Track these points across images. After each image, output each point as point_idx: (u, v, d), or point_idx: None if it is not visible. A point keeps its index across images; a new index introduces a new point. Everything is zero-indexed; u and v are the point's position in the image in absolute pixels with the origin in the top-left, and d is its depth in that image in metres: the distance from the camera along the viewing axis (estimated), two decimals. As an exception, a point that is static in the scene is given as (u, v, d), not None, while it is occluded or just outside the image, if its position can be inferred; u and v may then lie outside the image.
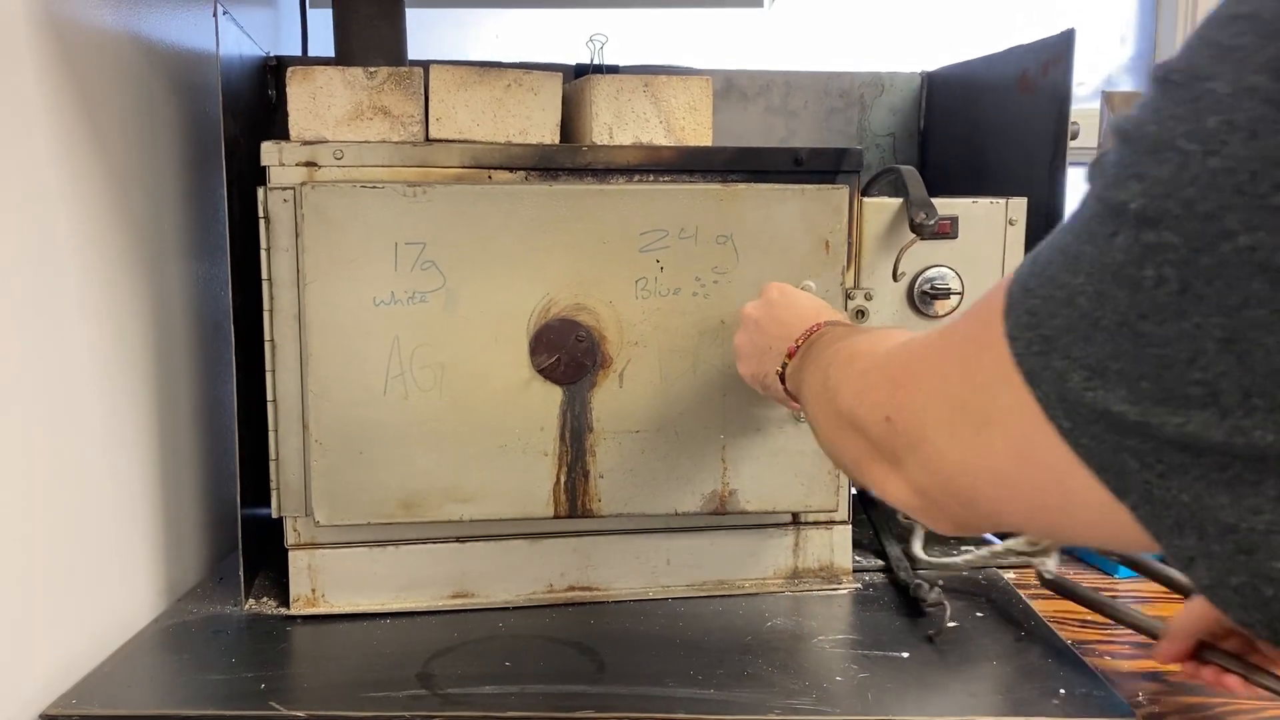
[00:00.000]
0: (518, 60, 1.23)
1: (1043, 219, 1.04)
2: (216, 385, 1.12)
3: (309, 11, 1.35)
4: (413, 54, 1.07)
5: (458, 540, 0.98)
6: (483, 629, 0.94)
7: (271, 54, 1.22)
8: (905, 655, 0.87)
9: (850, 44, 1.72)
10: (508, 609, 0.98)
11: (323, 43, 1.37)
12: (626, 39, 1.39)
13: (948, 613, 0.91)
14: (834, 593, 1.02)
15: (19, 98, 0.77)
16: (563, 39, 1.71)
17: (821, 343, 0.71)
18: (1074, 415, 0.34)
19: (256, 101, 1.17)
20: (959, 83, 1.30)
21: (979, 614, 0.96)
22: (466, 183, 0.93)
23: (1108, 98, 1.27)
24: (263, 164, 0.91)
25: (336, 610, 0.96)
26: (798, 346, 0.74)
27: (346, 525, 0.93)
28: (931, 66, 1.36)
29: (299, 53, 1.35)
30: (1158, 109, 0.32)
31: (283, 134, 0.94)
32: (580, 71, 1.26)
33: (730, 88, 1.34)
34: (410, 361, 0.91)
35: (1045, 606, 0.97)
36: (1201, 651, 0.73)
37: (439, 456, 0.92)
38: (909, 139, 1.38)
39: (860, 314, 1.01)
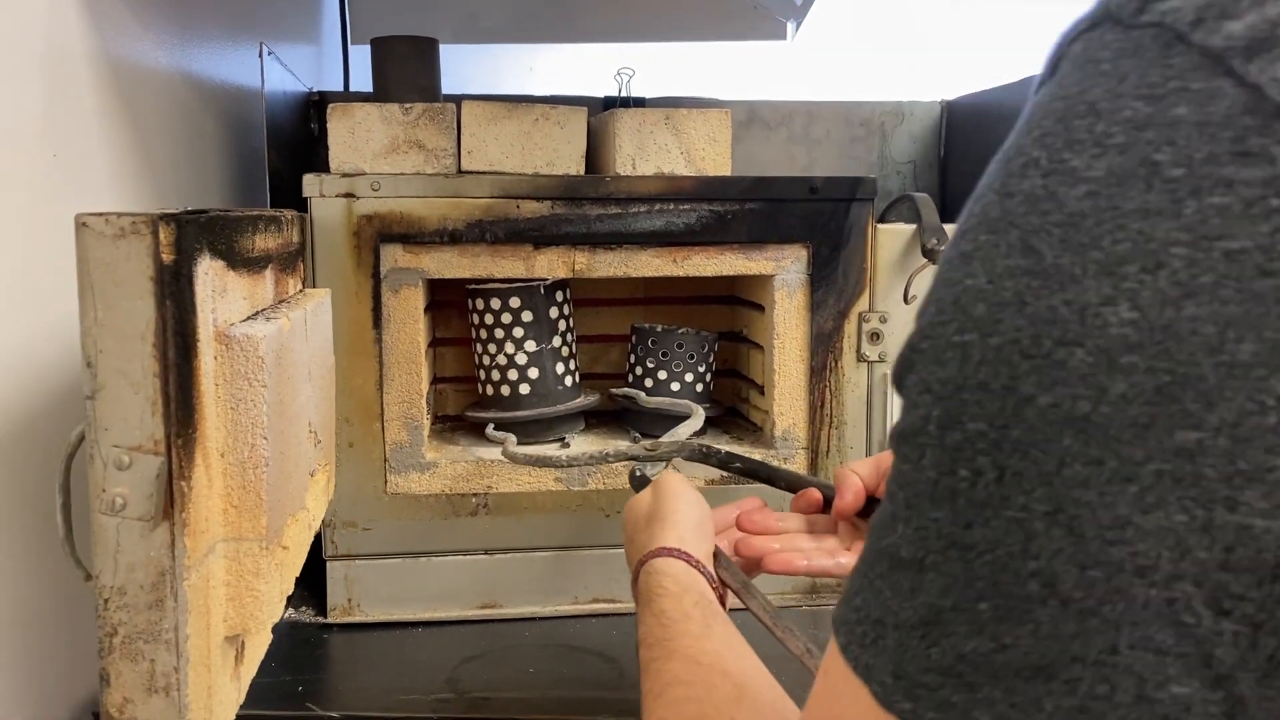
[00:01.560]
0: (549, 93, 1.28)
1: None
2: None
3: (350, 48, 1.42)
4: (449, 86, 1.12)
5: (486, 553, 1.03)
6: (509, 638, 0.98)
7: (314, 89, 1.28)
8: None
9: (871, 74, 1.76)
10: (533, 619, 1.02)
11: (363, 78, 1.44)
12: (654, 71, 1.45)
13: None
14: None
15: (80, 134, 0.83)
16: (595, 70, 1.76)
17: (650, 606, 0.64)
18: (917, 690, 0.31)
19: (299, 135, 1.23)
20: (978, 111, 1.33)
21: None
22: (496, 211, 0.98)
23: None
24: (304, 195, 0.96)
25: (371, 619, 1.01)
26: (636, 572, 0.69)
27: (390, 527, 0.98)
28: (951, 95, 1.39)
29: (341, 87, 1.41)
30: (922, 327, 0.33)
31: (324, 166, 1.00)
32: (608, 103, 1.31)
33: (753, 117, 1.39)
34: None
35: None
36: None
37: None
38: (929, 167, 1.41)
39: (875, 336, 1.04)
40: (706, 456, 0.89)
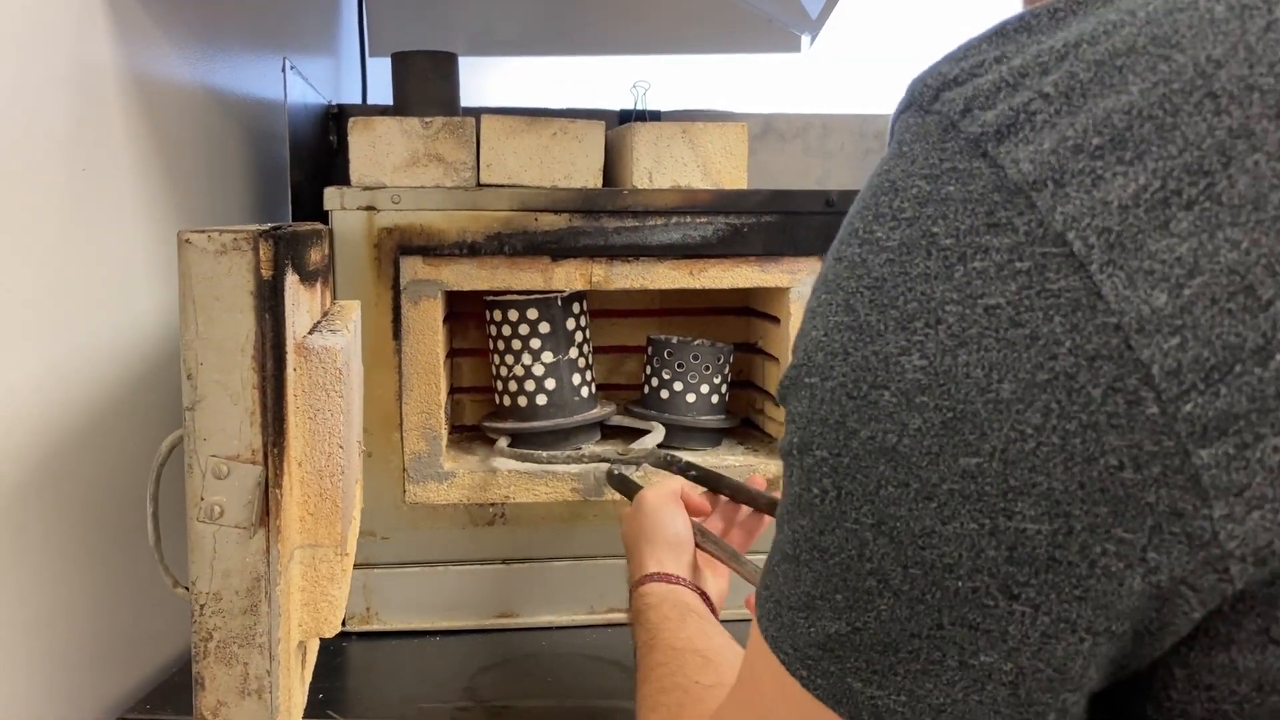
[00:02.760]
0: (565, 105, 1.29)
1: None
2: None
3: (368, 61, 1.43)
4: (466, 97, 1.13)
5: (504, 563, 1.03)
6: (526, 647, 0.98)
7: (334, 102, 1.29)
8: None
9: (885, 86, 1.77)
10: (550, 629, 1.03)
11: (381, 90, 1.45)
12: (670, 83, 1.46)
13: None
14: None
15: (107, 148, 0.84)
16: (613, 82, 1.78)
17: (638, 620, 0.72)
18: (807, 660, 0.37)
19: (320, 147, 1.24)
20: (991, 124, 1.34)
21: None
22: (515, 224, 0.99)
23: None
24: (326, 208, 0.97)
25: (389, 628, 1.02)
26: (629, 598, 0.77)
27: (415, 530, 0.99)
28: (965, 108, 1.40)
29: (359, 99, 1.43)
30: (788, 367, 0.39)
31: (344, 179, 1.01)
32: (625, 117, 1.33)
33: (768, 130, 1.40)
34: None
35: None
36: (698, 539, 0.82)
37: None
38: (943, 178, 1.42)
39: (890, 348, 1.05)
40: (669, 464, 0.97)
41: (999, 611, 0.33)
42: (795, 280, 1.04)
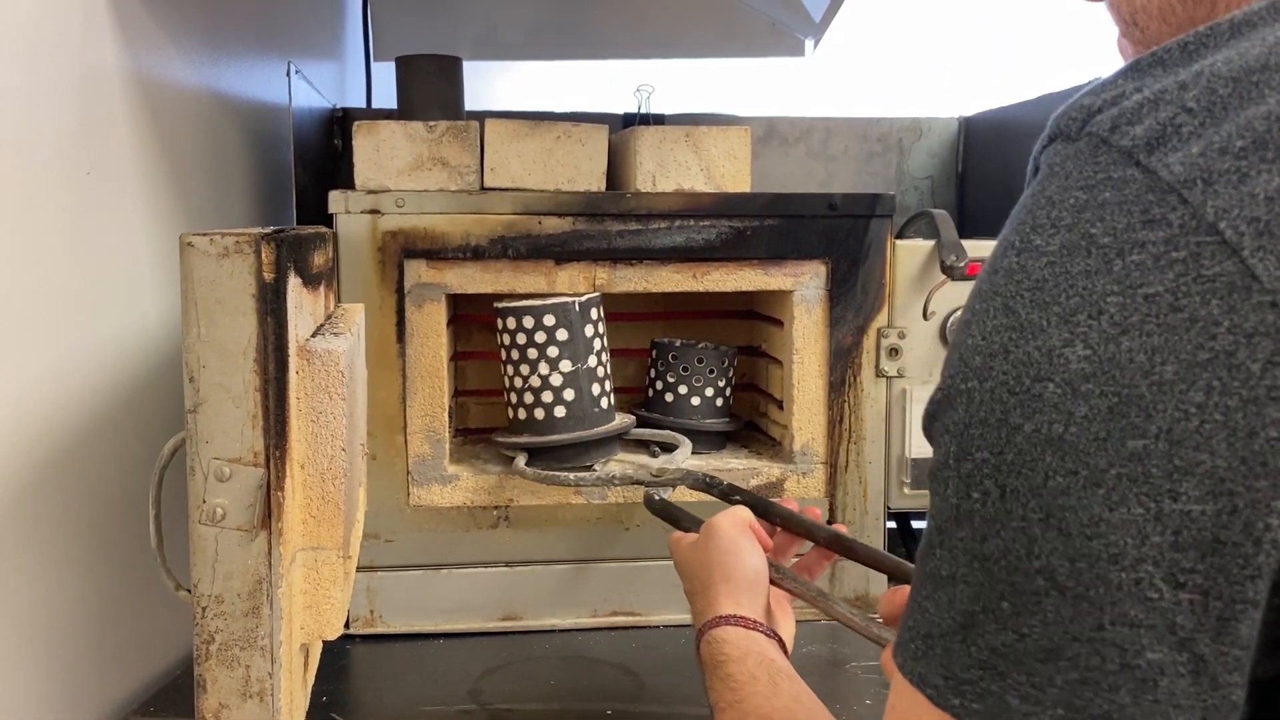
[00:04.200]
0: (569, 109, 1.30)
1: (1074, 260, 1.08)
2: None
3: (373, 65, 1.43)
4: (470, 101, 1.14)
5: (507, 565, 1.03)
6: (530, 650, 0.98)
7: (338, 105, 1.29)
8: (935, 682, 0.90)
9: (888, 90, 1.77)
10: (554, 632, 1.03)
11: (385, 94, 1.45)
12: (674, 87, 1.46)
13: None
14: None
15: (113, 151, 0.84)
16: (617, 86, 1.78)
17: (716, 672, 0.68)
18: (962, 686, 0.38)
19: (323, 150, 1.24)
20: (995, 127, 1.34)
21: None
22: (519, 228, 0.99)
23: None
24: (330, 211, 0.97)
25: (393, 630, 1.02)
26: (698, 638, 0.72)
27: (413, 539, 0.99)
28: (969, 111, 1.40)
29: (364, 103, 1.43)
30: (940, 383, 0.41)
31: (348, 182, 1.01)
32: (628, 120, 1.33)
33: (772, 133, 1.40)
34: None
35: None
36: None
37: (490, 485, 0.97)
38: (947, 182, 1.42)
39: (894, 351, 1.05)
40: (709, 486, 0.92)
41: (1164, 604, 0.34)
42: (799, 283, 1.04)
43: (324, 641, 0.99)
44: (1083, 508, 0.35)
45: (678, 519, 0.86)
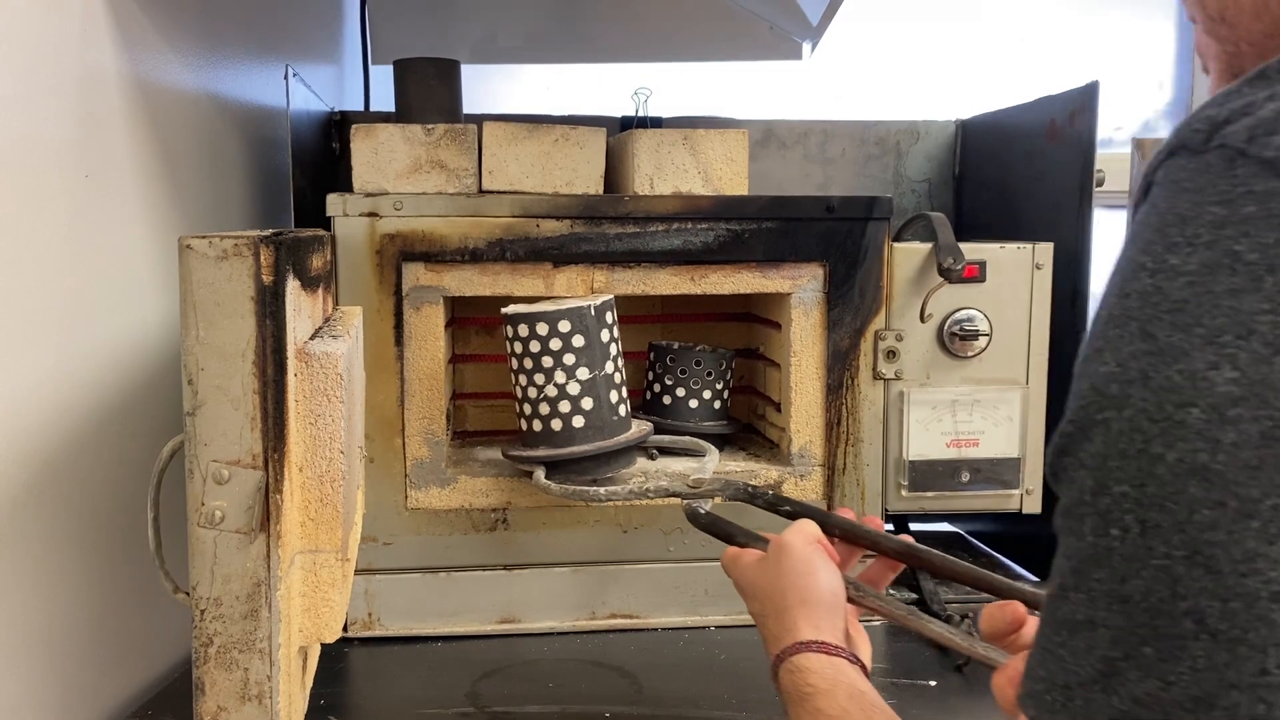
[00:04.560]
0: (567, 112, 1.30)
1: (1070, 262, 1.08)
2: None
3: (371, 69, 1.43)
4: (468, 104, 1.14)
5: (505, 568, 1.03)
6: (528, 652, 0.98)
7: (335, 109, 1.29)
8: (933, 684, 0.90)
9: (886, 93, 1.78)
10: (552, 634, 1.03)
11: (383, 97, 1.46)
12: (671, 90, 1.46)
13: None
14: (867, 624, 1.05)
15: (111, 155, 0.84)
16: (611, 89, 1.78)
17: (803, 705, 0.64)
18: None
19: (321, 153, 1.25)
20: (991, 130, 1.34)
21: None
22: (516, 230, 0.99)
23: (1139, 144, 1.31)
24: (328, 214, 0.97)
25: (391, 633, 1.02)
26: (776, 665, 0.68)
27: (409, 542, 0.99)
28: (966, 114, 1.40)
29: (361, 107, 1.43)
30: (1069, 415, 0.39)
31: (346, 185, 1.01)
32: (626, 123, 1.33)
33: (770, 136, 1.40)
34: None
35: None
36: None
37: (488, 488, 0.97)
38: (944, 185, 1.42)
39: (891, 354, 1.05)
40: (753, 498, 0.88)
41: None
42: (796, 286, 1.04)
43: (322, 644, 0.99)
44: (1234, 542, 0.33)
45: (730, 534, 0.81)
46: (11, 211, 0.71)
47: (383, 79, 1.44)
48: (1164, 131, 1.81)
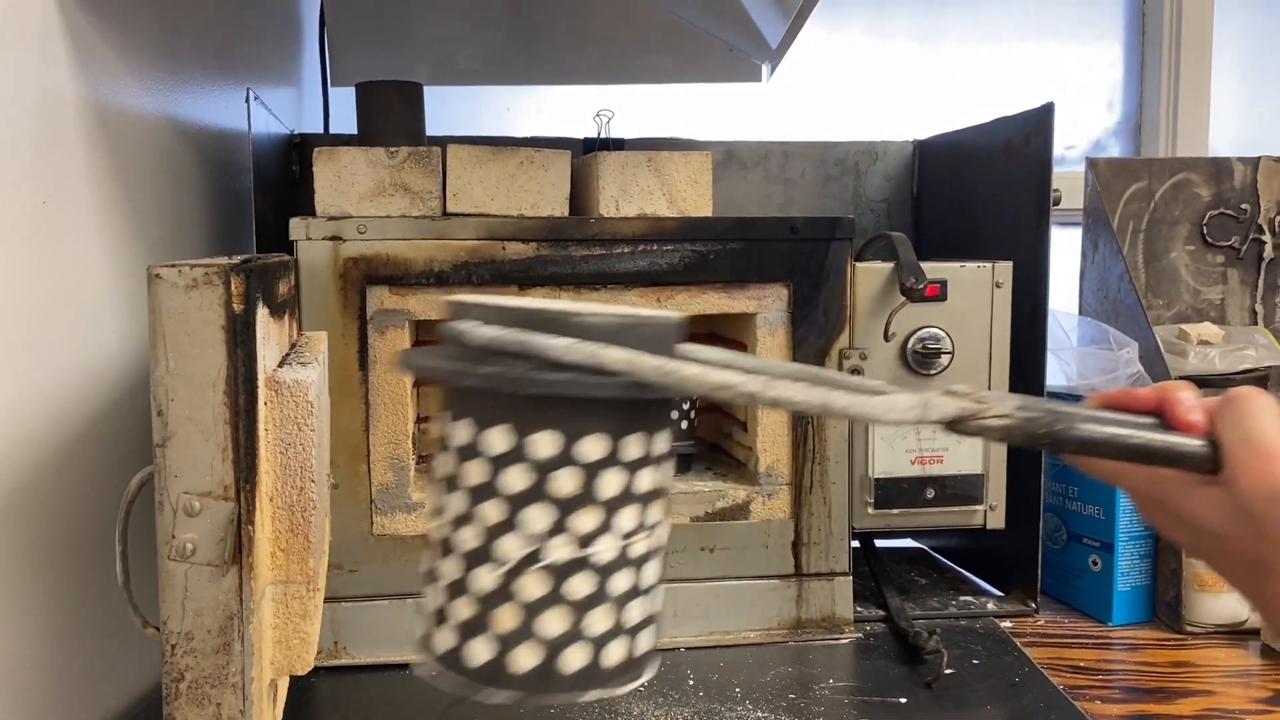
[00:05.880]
0: (528, 134, 1.30)
1: (1029, 279, 1.10)
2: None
3: (330, 90, 1.43)
4: (429, 126, 1.13)
5: (473, 593, 1.02)
6: (497, 679, 0.97)
7: (295, 131, 1.28)
8: (903, 701, 0.91)
9: (844, 114, 1.80)
10: (521, 660, 1.02)
11: (342, 120, 1.45)
12: (632, 111, 1.47)
13: (945, 659, 0.94)
14: (836, 642, 1.05)
15: (69, 180, 0.83)
16: (571, 110, 1.79)
17: None
18: None
19: (281, 176, 1.23)
20: (949, 150, 1.36)
21: (975, 661, 0.99)
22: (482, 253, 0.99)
23: (1092, 163, 1.33)
24: (291, 238, 0.97)
25: (358, 662, 1.00)
26: None
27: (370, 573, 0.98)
28: (923, 135, 1.42)
29: (321, 129, 1.42)
30: None
31: (307, 208, 1.00)
32: (589, 145, 1.33)
33: (730, 158, 1.41)
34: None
35: (1039, 655, 1.01)
36: None
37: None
38: (902, 204, 1.44)
39: (856, 372, 1.05)
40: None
41: None
42: (761, 306, 1.04)
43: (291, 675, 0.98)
44: None
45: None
46: (-32, 239, 0.69)
47: (341, 101, 1.44)
48: (1115, 150, 1.85)
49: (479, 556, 0.47)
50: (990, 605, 1.15)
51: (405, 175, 1.01)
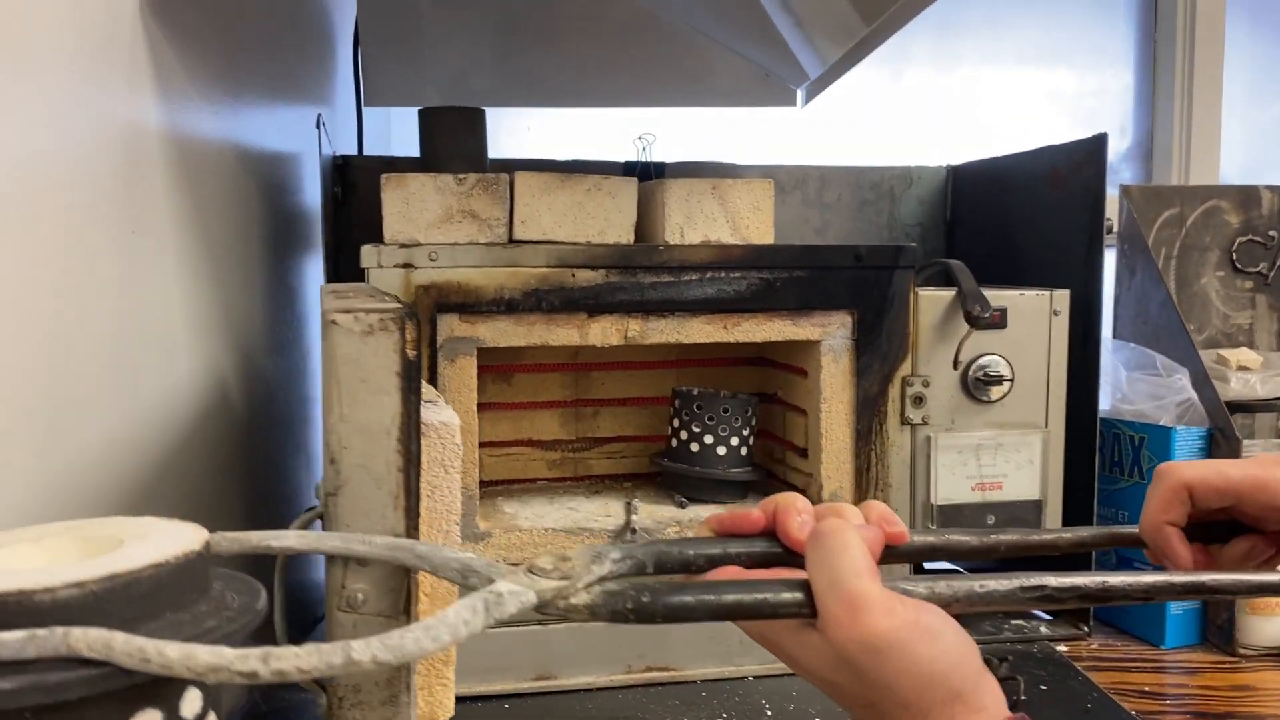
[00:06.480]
0: (545, 155, 1.29)
1: (1080, 307, 1.11)
2: (289, 467, 1.16)
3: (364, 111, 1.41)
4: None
5: (539, 622, 1.02)
6: (568, 711, 0.97)
7: (337, 153, 1.27)
8: (983, 729, 0.91)
9: (863, 139, 1.82)
10: (589, 690, 1.01)
11: (372, 140, 1.44)
12: (663, 134, 1.47)
13: (1022, 685, 0.95)
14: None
15: (153, 209, 0.81)
16: (591, 130, 1.79)
17: None
18: None
19: (324, 199, 1.22)
20: (986, 176, 1.37)
21: (1042, 686, 1.00)
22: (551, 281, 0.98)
23: (1125, 191, 1.35)
24: (363, 265, 0.95)
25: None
26: None
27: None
28: (957, 160, 1.44)
29: (354, 151, 1.41)
30: None
31: (348, 231, 0.99)
32: (629, 169, 1.33)
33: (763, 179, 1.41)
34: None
35: (1101, 679, 1.02)
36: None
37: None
38: (936, 228, 1.45)
39: (919, 400, 1.06)
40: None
41: None
42: (826, 333, 1.05)
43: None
44: None
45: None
46: (71, 274, 0.68)
47: (370, 121, 1.43)
48: (1127, 175, 1.88)
49: None
50: (1043, 629, 1.15)
51: (473, 202, 1.00)
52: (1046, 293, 1.09)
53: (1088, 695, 0.98)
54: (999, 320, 1.07)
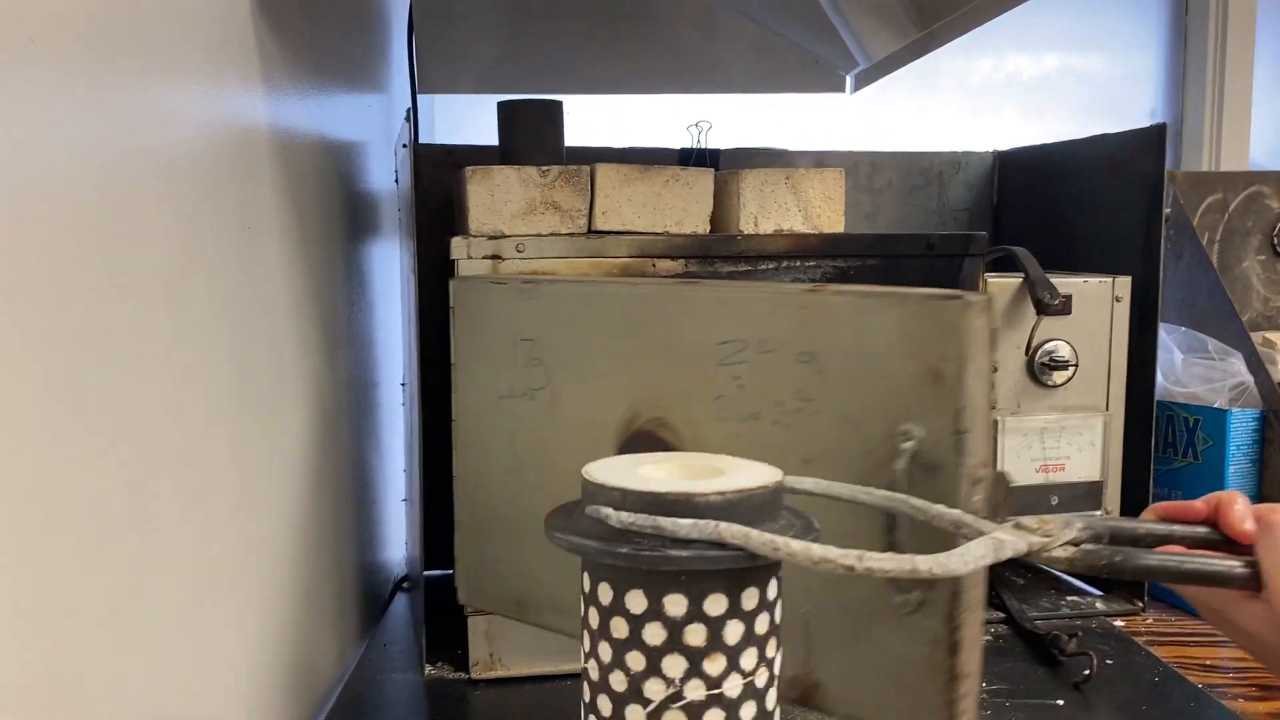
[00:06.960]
0: (594, 143, 1.31)
1: (1138, 292, 1.14)
2: (364, 453, 1.18)
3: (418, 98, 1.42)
4: (488, 130, 1.14)
5: (620, 604, 1.04)
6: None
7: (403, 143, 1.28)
8: (1060, 703, 0.94)
9: (898, 122, 1.84)
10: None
11: (426, 127, 1.45)
12: (710, 119, 1.48)
13: (1095, 661, 0.98)
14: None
15: (261, 206, 0.83)
16: (624, 115, 1.80)
17: None
18: None
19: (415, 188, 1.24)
20: (1035, 163, 1.40)
21: (1109, 661, 1.03)
22: (578, 279, 1.00)
23: (1171, 176, 1.38)
24: (452, 257, 0.97)
25: (514, 674, 1.02)
26: None
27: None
28: (1003, 146, 1.46)
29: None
30: None
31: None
32: (684, 156, 1.35)
33: (821, 167, 1.43)
34: (522, 459, 0.90)
35: (1164, 653, 1.05)
36: None
37: (542, 559, 0.86)
38: (982, 214, 1.48)
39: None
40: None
41: None
42: (897, 321, 1.07)
43: (443, 687, 0.99)
44: None
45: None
46: (200, 281, 0.70)
47: (424, 110, 1.44)
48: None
49: (627, 697, 0.56)
50: (1099, 605, 1.19)
51: (556, 194, 1.02)
52: (1109, 279, 1.12)
53: (1154, 669, 1.02)
54: (1065, 307, 1.10)
